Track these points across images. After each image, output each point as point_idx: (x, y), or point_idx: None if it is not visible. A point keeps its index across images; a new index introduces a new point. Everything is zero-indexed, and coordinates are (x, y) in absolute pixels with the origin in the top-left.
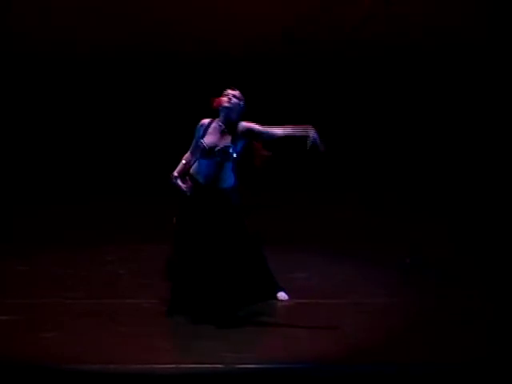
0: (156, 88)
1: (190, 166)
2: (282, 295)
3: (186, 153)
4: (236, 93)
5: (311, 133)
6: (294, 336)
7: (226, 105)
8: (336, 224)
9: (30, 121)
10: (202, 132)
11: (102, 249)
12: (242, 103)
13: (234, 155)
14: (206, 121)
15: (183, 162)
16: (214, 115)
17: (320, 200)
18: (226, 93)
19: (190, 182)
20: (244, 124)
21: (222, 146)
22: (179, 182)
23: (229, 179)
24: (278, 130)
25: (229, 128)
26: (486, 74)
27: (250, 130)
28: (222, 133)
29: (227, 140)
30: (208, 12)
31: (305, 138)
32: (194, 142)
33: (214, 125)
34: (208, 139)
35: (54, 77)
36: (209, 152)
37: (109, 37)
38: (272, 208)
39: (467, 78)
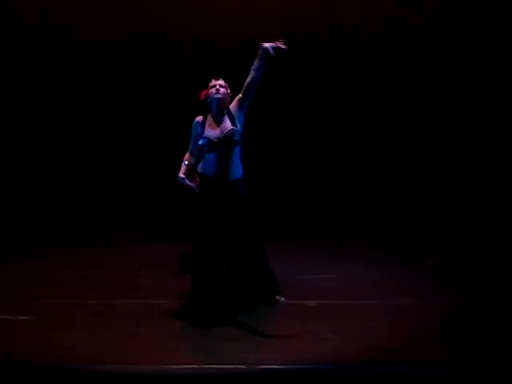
0: (156, 88)
1: (194, 166)
2: (280, 297)
3: (185, 152)
4: (222, 82)
5: (265, 46)
6: (317, 337)
7: (218, 96)
8: (347, 224)
9: (30, 121)
10: (200, 129)
11: (102, 249)
12: (228, 90)
13: (239, 137)
14: (200, 118)
15: (185, 162)
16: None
17: (320, 200)
18: (211, 84)
19: (198, 180)
20: (232, 104)
21: (225, 131)
22: (187, 181)
23: (237, 169)
24: (250, 77)
25: (223, 116)
26: (486, 73)
27: (239, 103)
28: (220, 122)
29: (227, 126)
30: (208, 12)
31: (266, 54)
32: (191, 141)
33: (209, 119)
34: (210, 132)
35: (54, 77)
36: (215, 144)
37: (109, 37)
38: (272, 208)
39: (467, 77)
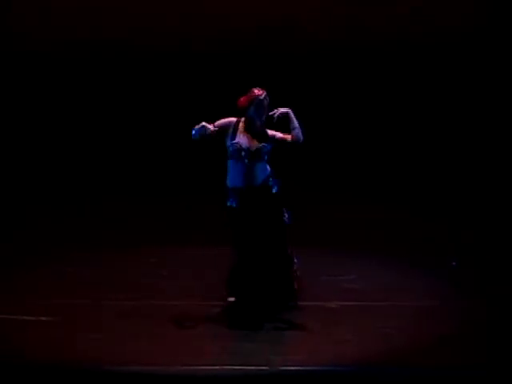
0: (156, 88)
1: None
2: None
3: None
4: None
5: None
6: (339, 338)
7: (267, 114)
8: (380, 225)
9: (29, 121)
10: (232, 131)
11: (115, 250)
12: None
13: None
14: (233, 120)
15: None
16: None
17: (321, 200)
18: (261, 97)
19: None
20: (270, 132)
21: (256, 147)
22: (208, 126)
23: (264, 171)
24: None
25: (256, 128)
26: (486, 73)
27: (273, 135)
28: (253, 134)
29: (257, 141)
30: (208, 12)
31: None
32: (220, 121)
33: (241, 125)
34: (241, 140)
35: (54, 76)
36: (241, 152)
37: (109, 36)
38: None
39: (467, 77)
